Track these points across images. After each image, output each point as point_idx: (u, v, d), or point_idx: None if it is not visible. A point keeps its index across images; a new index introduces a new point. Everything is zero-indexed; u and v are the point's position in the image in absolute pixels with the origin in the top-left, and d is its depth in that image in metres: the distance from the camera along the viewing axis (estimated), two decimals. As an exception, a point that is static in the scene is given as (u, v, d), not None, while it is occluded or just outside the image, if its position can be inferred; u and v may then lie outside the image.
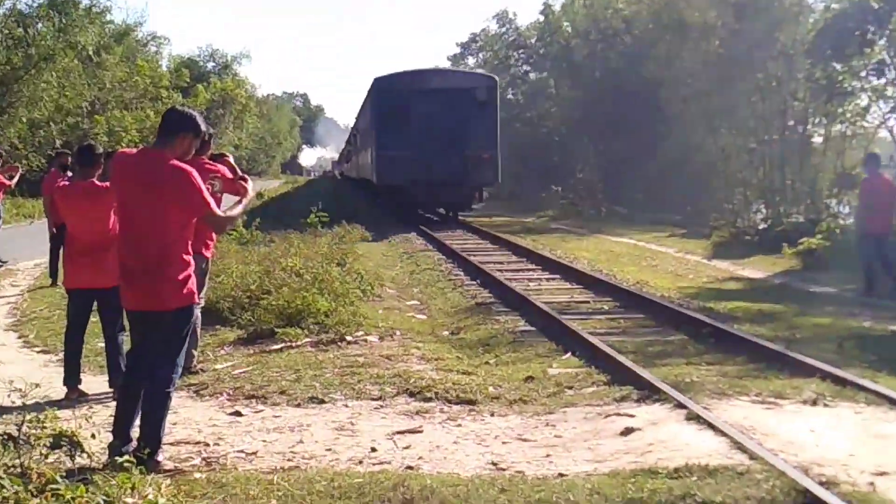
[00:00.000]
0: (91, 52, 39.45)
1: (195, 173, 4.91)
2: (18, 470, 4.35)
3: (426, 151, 24.09)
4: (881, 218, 12.44)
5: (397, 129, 24.79)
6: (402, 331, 9.56)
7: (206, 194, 4.94)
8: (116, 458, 4.52)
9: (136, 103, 43.79)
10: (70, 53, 36.87)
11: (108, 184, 6.40)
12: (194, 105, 47.56)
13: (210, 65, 69.04)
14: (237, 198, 5.73)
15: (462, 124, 24.61)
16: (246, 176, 6.19)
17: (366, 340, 8.83)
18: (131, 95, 43.79)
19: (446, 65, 57.12)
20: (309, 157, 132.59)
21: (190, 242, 5.06)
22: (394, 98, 25.18)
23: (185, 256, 4.97)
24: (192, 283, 5.03)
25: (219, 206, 5.15)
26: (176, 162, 4.88)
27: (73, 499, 3.86)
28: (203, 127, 5.12)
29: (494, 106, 25.51)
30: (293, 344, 8.57)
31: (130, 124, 39.74)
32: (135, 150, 5.27)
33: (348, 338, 8.79)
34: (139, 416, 5.02)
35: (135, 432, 5.01)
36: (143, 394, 5.02)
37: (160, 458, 4.97)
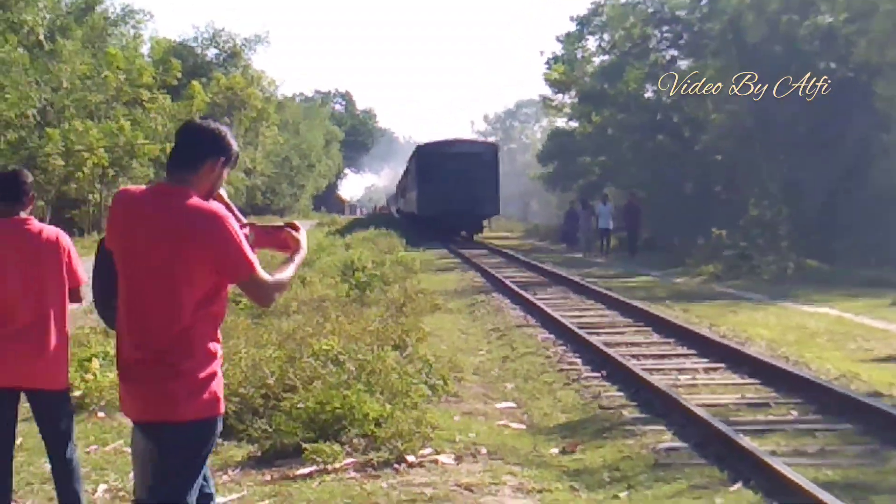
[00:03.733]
0: (41, 37, 40.30)
1: (231, 220, 4.83)
2: None
3: (451, 192, 50.50)
4: None
5: (432, 178, 52.80)
6: (489, 447, 9.57)
7: (249, 250, 4.84)
8: None
9: (105, 109, 44.50)
10: (11, 39, 37.62)
11: (47, 229, 6.49)
12: (189, 110, 48.33)
13: (211, 53, 70.55)
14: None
15: (474, 176, 51.66)
16: (296, 223, 6.08)
17: (436, 462, 8.86)
18: (99, 98, 44.33)
19: (555, 49, 66.22)
20: (354, 187, 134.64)
21: (220, 325, 4.98)
22: (430, 158, 54.51)
23: (211, 346, 4.86)
24: (218, 386, 4.91)
25: None
26: (204, 203, 4.82)
27: None
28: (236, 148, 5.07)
29: (496, 165, 54.41)
30: (328, 467, 8.61)
31: (97, 140, 40.29)
32: (144, 188, 5.12)
33: (410, 458, 8.81)
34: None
35: None
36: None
37: None
